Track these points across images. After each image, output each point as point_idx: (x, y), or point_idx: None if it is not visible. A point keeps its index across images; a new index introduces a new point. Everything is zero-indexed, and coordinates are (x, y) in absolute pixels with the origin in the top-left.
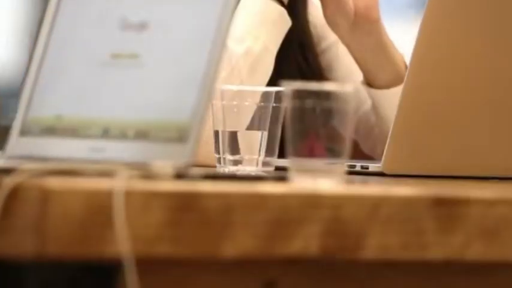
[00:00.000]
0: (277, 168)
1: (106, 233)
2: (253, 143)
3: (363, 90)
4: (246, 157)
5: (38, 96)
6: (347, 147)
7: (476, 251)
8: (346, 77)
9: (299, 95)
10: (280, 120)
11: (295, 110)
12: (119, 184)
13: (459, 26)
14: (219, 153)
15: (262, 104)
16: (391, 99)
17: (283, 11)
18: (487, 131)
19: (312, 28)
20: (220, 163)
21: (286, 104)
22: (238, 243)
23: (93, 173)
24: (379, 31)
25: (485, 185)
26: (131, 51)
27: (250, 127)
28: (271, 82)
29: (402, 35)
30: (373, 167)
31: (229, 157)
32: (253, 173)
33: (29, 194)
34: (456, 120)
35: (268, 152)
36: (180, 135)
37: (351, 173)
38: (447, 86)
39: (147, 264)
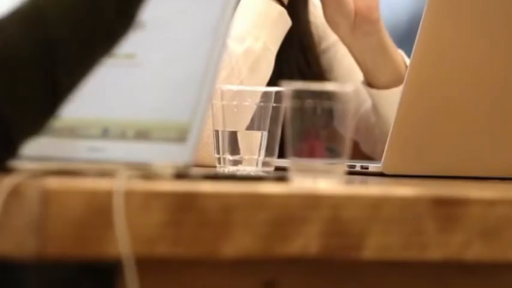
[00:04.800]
0: (277, 168)
1: (106, 233)
2: (253, 143)
3: (363, 90)
4: (246, 157)
5: None
6: (347, 147)
7: (476, 251)
8: (346, 77)
9: (299, 95)
10: (280, 120)
11: (295, 110)
12: (118, 184)
13: (459, 26)
14: (219, 153)
15: (262, 104)
16: (391, 99)
17: (283, 11)
18: (487, 131)
19: (312, 28)
20: (220, 163)
21: (286, 104)
22: (238, 243)
23: (93, 173)
24: (379, 31)
25: (485, 185)
26: (131, 51)
27: (250, 127)
28: (271, 82)
29: None
30: (373, 167)
31: (229, 157)
32: (253, 173)
33: (29, 194)
34: (456, 120)
35: (268, 152)
36: (180, 135)
37: (351, 173)
38: (447, 86)
39: (147, 264)
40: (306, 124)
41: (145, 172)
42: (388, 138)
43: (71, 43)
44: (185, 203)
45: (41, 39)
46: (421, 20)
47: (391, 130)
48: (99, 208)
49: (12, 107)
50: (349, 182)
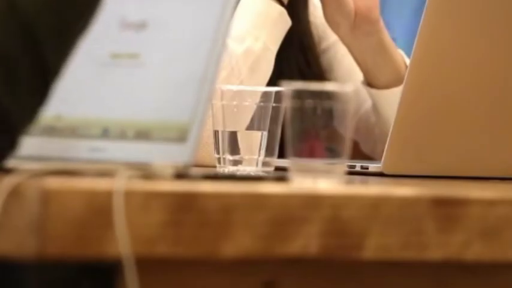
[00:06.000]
0: (277, 168)
1: (106, 233)
2: (253, 143)
3: (363, 90)
4: (246, 157)
5: None
6: (347, 147)
7: (476, 251)
8: (346, 77)
9: (299, 95)
10: (280, 120)
11: (295, 110)
12: (119, 184)
13: (459, 25)
14: (219, 153)
15: (262, 104)
16: (391, 99)
17: (283, 11)
18: (487, 131)
19: (312, 28)
20: (220, 163)
21: (286, 104)
22: (238, 243)
23: (93, 173)
24: (379, 31)
25: (485, 185)
26: (131, 51)
27: (250, 127)
28: (271, 82)
29: None
30: (373, 167)
31: (229, 157)
32: (253, 173)
33: (29, 194)
34: (456, 120)
35: (268, 152)
36: (180, 135)
37: (351, 173)
38: (447, 86)
39: (147, 264)
40: (306, 124)
41: (145, 172)
42: (388, 138)
43: (49, 22)
44: (185, 203)
45: (19, 25)
46: (421, 20)
47: (391, 130)
48: (99, 208)
49: (7, 98)
50: (349, 182)
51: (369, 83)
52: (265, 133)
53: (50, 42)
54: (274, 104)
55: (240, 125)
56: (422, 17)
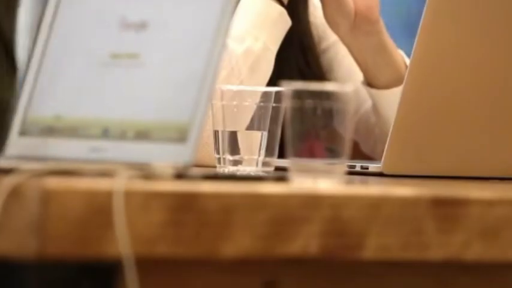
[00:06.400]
0: (277, 168)
1: (106, 233)
2: (253, 143)
3: (363, 90)
4: (246, 157)
5: (38, 96)
6: (347, 147)
7: (476, 251)
8: (346, 77)
9: (299, 95)
10: (280, 120)
11: (295, 110)
12: (118, 184)
13: (459, 26)
14: (219, 154)
15: (262, 104)
16: (391, 99)
17: (283, 11)
18: (487, 131)
19: (313, 29)
20: (220, 163)
21: (286, 104)
22: (238, 243)
23: (93, 173)
24: (379, 32)
25: (485, 185)
26: (131, 51)
27: (250, 127)
28: (271, 82)
29: None
30: (373, 167)
31: (229, 157)
32: (253, 173)
33: (29, 194)
34: (456, 120)
35: (268, 152)
36: (180, 135)
37: (351, 173)
38: (447, 86)
39: (147, 264)
40: (306, 124)
41: (145, 172)
42: (388, 138)
43: None
44: (185, 203)
45: None
46: (421, 20)
47: (391, 130)
48: (99, 208)
49: None
50: (349, 182)
51: (369, 83)
52: (265, 133)
53: (3, 16)
54: (274, 104)
55: (240, 125)
56: (423, 17)
